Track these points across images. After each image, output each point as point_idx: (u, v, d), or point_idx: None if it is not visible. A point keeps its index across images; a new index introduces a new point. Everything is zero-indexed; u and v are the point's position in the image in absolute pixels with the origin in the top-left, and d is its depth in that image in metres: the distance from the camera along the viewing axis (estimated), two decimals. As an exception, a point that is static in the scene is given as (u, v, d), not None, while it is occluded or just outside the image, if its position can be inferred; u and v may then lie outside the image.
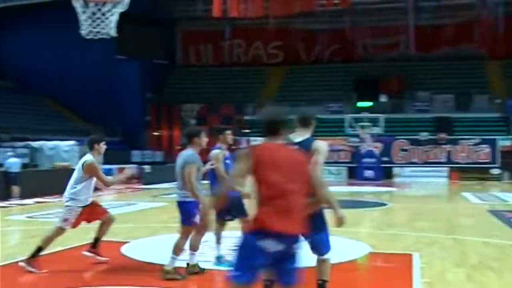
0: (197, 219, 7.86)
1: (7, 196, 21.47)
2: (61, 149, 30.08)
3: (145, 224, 14.06)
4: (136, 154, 40.82)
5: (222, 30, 48.68)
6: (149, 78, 48.21)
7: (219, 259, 8.70)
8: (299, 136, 6.08)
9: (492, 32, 42.28)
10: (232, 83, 49.04)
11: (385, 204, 20.04)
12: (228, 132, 8.91)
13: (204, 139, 8.02)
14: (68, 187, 8.61)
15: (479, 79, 45.48)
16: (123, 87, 45.77)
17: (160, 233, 12.30)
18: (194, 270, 8.16)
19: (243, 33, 50.60)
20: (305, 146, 5.76)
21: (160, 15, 48.41)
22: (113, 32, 6.15)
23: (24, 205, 19.42)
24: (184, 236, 8.00)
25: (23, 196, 21.39)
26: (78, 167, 8.67)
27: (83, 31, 6.29)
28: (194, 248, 8.15)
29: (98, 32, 6.27)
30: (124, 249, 10.07)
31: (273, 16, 38.23)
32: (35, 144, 31.34)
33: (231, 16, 36.86)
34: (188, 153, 7.94)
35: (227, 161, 8.56)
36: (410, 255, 9.68)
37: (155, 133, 47.90)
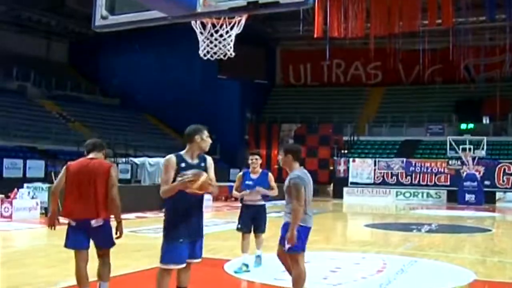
0: None
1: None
2: (161, 165, 30.92)
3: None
4: (234, 173, 41.37)
5: (322, 50, 48.75)
6: (249, 98, 48.91)
7: None
8: None
9: None
10: (331, 103, 49.04)
11: (488, 230, 19.41)
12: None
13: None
14: None
15: None
16: (223, 106, 46.60)
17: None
18: None
19: (343, 53, 50.55)
20: None
21: (261, 35, 49.09)
22: (230, 53, 6.33)
23: (125, 219, 19.61)
24: None
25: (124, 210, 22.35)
26: None
27: (201, 52, 6.50)
28: None
29: (215, 53, 6.47)
30: (226, 267, 10.24)
31: (374, 36, 38.00)
32: (137, 160, 32.40)
33: (331, 36, 36.86)
34: None
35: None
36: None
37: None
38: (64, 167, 7.03)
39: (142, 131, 44.85)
